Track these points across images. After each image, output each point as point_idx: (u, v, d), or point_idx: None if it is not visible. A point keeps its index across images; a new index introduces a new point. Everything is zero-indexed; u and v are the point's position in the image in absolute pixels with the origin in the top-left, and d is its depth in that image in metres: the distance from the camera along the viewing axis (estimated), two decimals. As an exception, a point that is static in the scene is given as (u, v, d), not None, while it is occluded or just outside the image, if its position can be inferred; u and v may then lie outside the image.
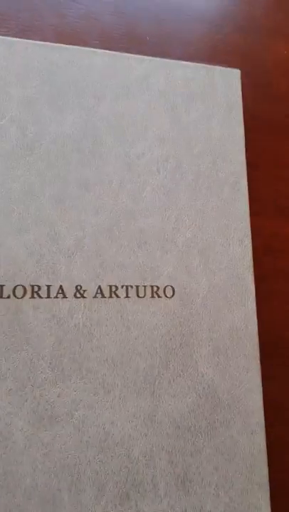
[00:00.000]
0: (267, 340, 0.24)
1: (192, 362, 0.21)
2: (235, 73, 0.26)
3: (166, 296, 0.22)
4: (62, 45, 0.24)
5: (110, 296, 0.21)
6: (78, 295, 0.21)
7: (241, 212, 0.24)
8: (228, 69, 0.26)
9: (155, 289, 0.22)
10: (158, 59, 0.25)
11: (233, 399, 0.21)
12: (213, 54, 0.29)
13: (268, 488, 0.21)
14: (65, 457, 0.19)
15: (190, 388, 0.21)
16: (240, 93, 0.26)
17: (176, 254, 0.22)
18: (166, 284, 0.22)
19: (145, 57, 0.25)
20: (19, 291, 0.20)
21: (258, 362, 0.22)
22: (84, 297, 0.21)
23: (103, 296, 0.21)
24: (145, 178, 0.23)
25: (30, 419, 0.19)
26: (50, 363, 0.20)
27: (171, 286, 0.22)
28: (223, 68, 0.26)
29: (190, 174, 0.24)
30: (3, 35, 0.25)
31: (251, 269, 0.23)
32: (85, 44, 0.26)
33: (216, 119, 0.25)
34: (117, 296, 0.21)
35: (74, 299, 0.21)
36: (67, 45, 0.23)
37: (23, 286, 0.20)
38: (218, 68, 0.25)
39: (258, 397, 0.22)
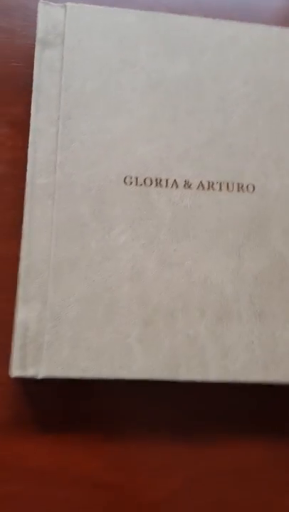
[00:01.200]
0: None
1: (267, 238, 0.31)
2: None
3: (248, 191, 0.31)
4: (174, 14, 0.34)
5: (208, 189, 0.31)
6: (186, 186, 0.31)
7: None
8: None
9: (240, 185, 0.31)
10: (243, 23, 0.34)
11: (297, 265, 0.31)
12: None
13: None
14: (179, 289, 0.29)
15: (264, 255, 0.30)
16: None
17: (255, 163, 0.32)
18: (248, 182, 0.31)
19: (234, 22, 0.34)
20: (148, 181, 0.31)
21: None
22: (190, 188, 0.31)
23: (204, 189, 0.31)
24: (233, 109, 0.33)
25: (157, 263, 0.29)
26: (168, 229, 0.30)
27: (253, 184, 0.31)
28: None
29: (267, 106, 0.33)
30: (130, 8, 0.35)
31: (313, 175, 0.32)
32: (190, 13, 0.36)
33: (286, 67, 0.34)
34: (213, 189, 0.31)
35: (183, 189, 0.31)
36: (179, 15, 0.34)
37: (150, 178, 0.31)
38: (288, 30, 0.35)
39: (317, 264, 0.31)
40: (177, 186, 0.31)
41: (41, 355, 0.27)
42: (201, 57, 0.33)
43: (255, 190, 0.31)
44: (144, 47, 0.33)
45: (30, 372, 0.27)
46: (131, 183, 0.30)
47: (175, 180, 0.31)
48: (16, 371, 0.27)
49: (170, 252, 0.30)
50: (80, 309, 0.28)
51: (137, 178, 0.31)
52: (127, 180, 0.30)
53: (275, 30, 0.35)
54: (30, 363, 0.27)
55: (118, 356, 0.28)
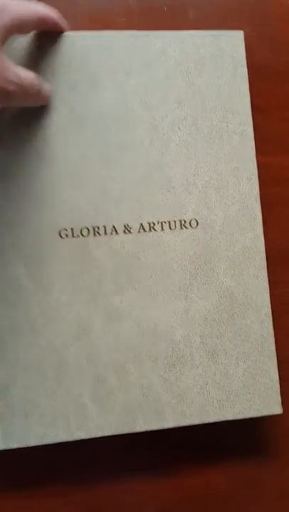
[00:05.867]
0: (274, 254, 0.37)
1: (214, 274, 0.34)
2: (239, 35, 0.35)
3: (191, 227, 0.34)
4: (93, 31, 0.34)
5: (150, 230, 0.33)
6: (126, 231, 0.33)
7: (249, 156, 0.35)
8: (233, 32, 0.35)
9: (183, 222, 0.34)
10: (172, 32, 0.35)
11: (246, 298, 0.34)
12: (222, 16, 0.39)
13: (275, 359, 0.34)
14: (129, 341, 0.33)
15: (213, 292, 0.34)
16: (243, 53, 0.35)
17: (197, 194, 0.34)
18: (191, 218, 0.34)
19: (161, 32, 0.35)
20: (85, 232, 0.33)
21: (265, 271, 0.34)
22: (131, 232, 0.33)
23: (144, 231, 0.33)
24: (169, 136, 0.34)
25: (104, 318, 0.32)
26: (111, 280, 0.33)
27: (195, 219, 0.34)
28: (228, 32, 0.35)
29: (205, 128, 0.34)
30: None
31: (258, 201, 0.35)
32: (114, 23, 0.36)
33: (223, 79, 0.35)
34: (155, 230, 0.33)
35: (124, 234, 0.33)
36: (98, 32, 0.34)
37: (87, 227, 0.33)
38: (223, 33, 0.35)
39: (266, 296, 0.34)
40: (117, 232, 0.33)
41: (-4, 429, 0.31)
42: (127, 80, 0.34)
43: (199, 224, 0.34)
44: (60, 76, 0.33)
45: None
46: (66, 235, 0.33)
47: (114, 227, 0.33)
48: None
49: (116, 304, 0.33)
50: (29, 376, 0.31)
51: (72, 230, 0.33)
52: (62, 233, 0.33)
53: (209, 34, 0.35)
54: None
55: (73, 418, 0.32)
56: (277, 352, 0.34)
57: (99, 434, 0.32)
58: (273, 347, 0.34)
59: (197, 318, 0.33)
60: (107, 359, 0.32)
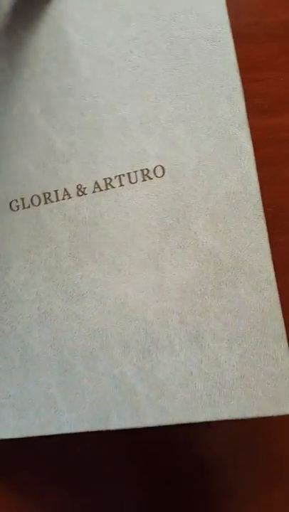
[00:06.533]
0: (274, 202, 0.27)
1: (191, 233, 0.26)
2: None
3: (156, 176, 0.27)
4: None
5: (106, 188, 0.28)
6: (80, 193, 0.28)
7: (227, 67, 0.26)
8: None
9: (145, 172, 0.27)
10: None
11: (236, 261, 0.26)
12: None
13: (285, 340, 0.25)
14: (94, 324, 0.28)
15: (191, 257, 0.26)
16: None
17: (161, 133, 0.27)
18: (155, 165, 0.27)
19: None
20: (35, 200, 0.29)
21: (262, 221, 0.25)
22: (85, 194, 0.28)
23: (101, 190, 0.28)
24: (119, 65, 0.27)
25: (64, 298, 0.28)
26: (69, 253, 0.28)
27: (161, 166, 0.27)
28: None
29: (163, 43, 0.27)
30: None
31: (245, 126, 0.26)
32: None
33: None
34: (112, 186, 0.27)
35: (77, 197, 0.28)
36: None
37: (37, 195, 0.29)
38: None
39: (264, 256, 0.25)
40: (70, 196, 0.28)
41: None
42: (58, 5, 0.28)
43: (166, 172, 0.27)
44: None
45: None
46: (18, 207, 0.29)
47: (65, 190, 0.28)
48: None
49: (76, 281, 0.28)
50: (-5, 366, 0.30)
51: (23, 200, 0.29)
52: (13, 205, 0.29)
53: None
54: None
55: (43, 411, 0.29)
56: (287, 329, 0.25)
57: (70, 430, 0.28)
58: (280, 323, 0.25)
59: (173, 291, 0.27)
60: (72, 345, 0.28)
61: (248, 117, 0.27)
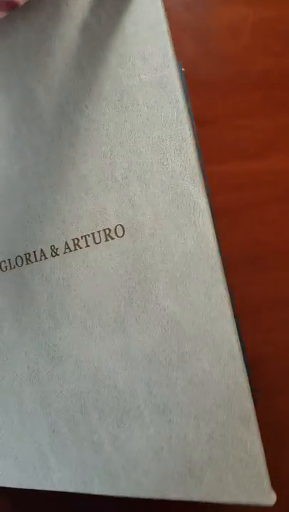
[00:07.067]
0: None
1: (152, 297, 0.24)
2: None
3: (117, 236, 0.25)
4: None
5: (75, 249, 0.27)
6: (54, 254, 0.28)
7: (174, 115, 0.23)
8: None
9: (107, 231, 0.26)
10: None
11: (198, 330, 0.23)
12: None
13: (254, 422, 0.22)
14: (73, 387, 0.28)
15: (154, 323, 0.24)
16: None
17: (118, 189, 0.25)
18: (115, 224, 0.25)
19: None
20: (19, 261, 0.29)
21: (222, 286, 0.22)
22: (58, 255, 0.28)
23: (70, 250, 0.27)
24: (76, 119, 0.26)
25: (47, 359, 0.29)
26: (48, 313, 0.28)
27: (121, 225, 0.25)
28: None
29: (114, 93, 0.25)
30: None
31: (197, 180, 0.23)
32: None
33: (130, 18, 0.24)
34: (80, 247, 0.27)
35: (52, 257, 0.28)
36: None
37: (20, 256, 0.29)
38: None
39: (227, 325, 0.22)
40: (45, 257, 0.28)
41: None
42: (14, 60, 0.28)
43: (125, 231, 0.25)
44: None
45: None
46: (6, 267, 0.30)
47: (42, 250, 0.28)
48: None
49: (56, 342, 0.28)
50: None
51: (9, 261, 0.30)
52: (3, 265, 0.30)
53: None
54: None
55: (39, 466, 0.30)
56: (262, 404, 0.22)
57: (61, 488, 0.29)
58: (248, 403, 0.22)
59: (140, 358, 0.25)
60: (57, 406, 0.28)
61: (235, 162, 0.27)
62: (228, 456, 0.23)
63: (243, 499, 0.22)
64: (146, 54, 0.24)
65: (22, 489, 0.32)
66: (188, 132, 0.23)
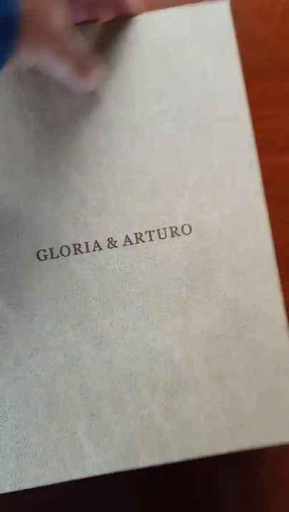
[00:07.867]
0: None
1: (215, 284, 0.31)
2: (224, 6, 0.32)
3: (184, 233, 0.31)
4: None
5: (137, 242, 0.31)
6: (111, 246, 0.31)
7: (246, 144, 0.31)
8: (216, 3, 0.32)
9: (174, 229, 0.31)
10: (144, 15, 0.32)
11: (255, 309, 0.30)
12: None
13: (296, 376, 0.30)
14: (123, 368, 0.30)
15: (215, 305, 0.30)
16: (230, 27, 0.31)
17: (188, 196, 0.31)
18: (182, 224, 0.31)
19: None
20: (65, 251, 0.31)
21: (275, 276, 0.31)
22: (116, 246, 0.31)
23: (131, 243, 0.31)
24: (150, 133, 0.31)
25: (92, 344, 0.30)
26: (98, 301, 0.30)
27: (188, 225, 0.31)
28: (211, 5, 0.32)
29: (191, 118, 0.31)
30: None
31: (260, 196, 0.31)
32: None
33: (209, 59, 0.31)
34: (142, 241, 0.31)
35: (108, 249, 0.31)
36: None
37: (67, 246, 0.31)
38: (205, 7, 0.32)
39: (278, 305, 0.31)
40: (100, 248, 0.31)
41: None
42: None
43: (192, 230, 0.31)
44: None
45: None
46: (45, 257, 0.31)
47: (96, 242, 0.31)
48: None
49: (105, 328, 0.30)
50: (17, 414, 0.30)
51: (51, 250, 0.31)
52: (41, 254, 0.31)
53: (188, 11, 0.32)
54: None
55: (69, 456, 0.30)
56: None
57: (97, 472, 0.30)
58: (292, 363, 0.30)
59: (198, 336, 0.30)
60: (100, 390, 0.30)
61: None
62: (273, 406, 0.30)
63: (285, 439, 0.30)
64: (225, 93, 0.31)
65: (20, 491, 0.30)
66: (256, 158, 0.31)
